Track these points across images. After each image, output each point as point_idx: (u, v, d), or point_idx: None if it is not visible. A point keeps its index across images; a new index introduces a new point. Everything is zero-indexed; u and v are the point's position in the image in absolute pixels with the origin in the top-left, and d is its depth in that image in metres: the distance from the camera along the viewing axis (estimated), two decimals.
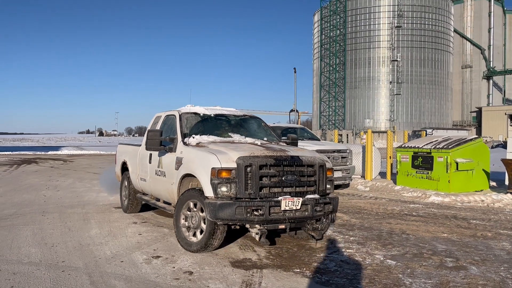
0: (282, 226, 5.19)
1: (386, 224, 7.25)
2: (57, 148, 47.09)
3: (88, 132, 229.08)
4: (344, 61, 67.59)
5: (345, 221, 7.49)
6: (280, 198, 4.99)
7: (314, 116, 77.71)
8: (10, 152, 35.49)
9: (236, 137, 6.30)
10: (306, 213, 5.17)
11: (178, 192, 5.75)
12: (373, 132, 14.36)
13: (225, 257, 5.19)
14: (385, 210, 8.67)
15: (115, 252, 5.30)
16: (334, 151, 11.21)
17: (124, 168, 8.30)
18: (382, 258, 5.23)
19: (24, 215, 7.70)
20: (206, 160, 5.16)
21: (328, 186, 5.56)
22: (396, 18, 64.54)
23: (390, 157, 13.13)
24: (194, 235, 5.40)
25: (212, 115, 6.77)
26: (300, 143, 11.27)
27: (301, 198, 5.11)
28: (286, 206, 5.00)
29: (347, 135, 57.80)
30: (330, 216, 5.55)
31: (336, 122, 68.65)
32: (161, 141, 6.24)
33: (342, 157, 11.32)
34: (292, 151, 5.47)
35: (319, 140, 12.60)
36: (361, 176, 13.35)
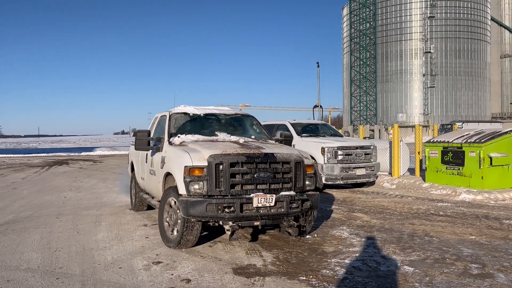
0: (257, 223, 5.20)
1: (409, 225, 6.76)
2: (91, 149, 48.31)
3: (123, 132, 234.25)
4: (375, 55, 65.94)
5: (365, 222, 7.05)
6: (252, 195, 4.99)
7: (345, 112, 76.34)
8: (46, 154, 36.69)
9: (221, 135, 6.26)
10: (282, 210, 5.13)
11: (163, 190, 5.88)
12: (406, 126, 13.60)
13: (229, 263, 4.90)
14: (409, 210, 8.15)
15: (116, 258, 5.11)
16: (356, 148, 10.73)
17: (133, 167, 8.46)
18: (399, 264, 4.80)
19: (39, 218, 7.67)
20: (180, 158, 5.26)
21: (308, 182, 5.50)
22: (428, 8, 62.33)
23: (418, 152, 12.47)
24: (173, 231, 5.47)
25: (202, 114, 6.83)
26: (319, 139, 10.90)
27: (274, 195, 5.07)
28: (258, 203, 5.00)
29: (379, 130, 56.40)
30: (312, 213, 5.58)
31: (368, 117, 67.17)
32: (149, 141, 6.47)
33: (365, 154, 10.81)
34: (269, 149, 5.41)
35: (341, 136, 12.12)
36: (389, 173, 12.76)
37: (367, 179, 10.86)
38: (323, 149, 10.42)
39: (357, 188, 11.32)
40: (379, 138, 46.66)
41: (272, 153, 5.25)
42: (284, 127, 12.01)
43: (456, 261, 4.88)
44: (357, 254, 5.21)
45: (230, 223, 5.07)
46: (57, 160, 27.09)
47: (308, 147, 10.86)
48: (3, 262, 5.01)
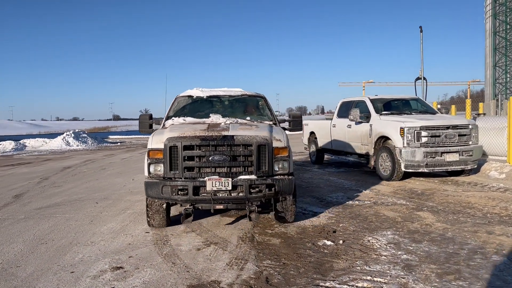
0: (219, 206, 5.14)
1: (482, 235, 4.92)
2: None
3: None
4: None
5: (423, 226, 5.38)
6: (206, 178, 4.87)
7: (487, 85, 65.74)
8: None
9: (213, 117, 6.16)
10: (241, 195, 4.91)
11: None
12: None
13: (195, 277, 3.95)
14: (501, 211, 6.08)
15: (85, 258, 4.53)
16: (447, 127, 8.59)
17: None
18: None
19: (80, 202, 7.65)
20: (148, 141, 5.31)
21: (280, 166, 5.13)
22: None
23: None
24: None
25: (205, 96, 6.85)
26: (400, 118, 9.09)
27: (230, 179, 4.87)
28: (213, 186, 4.85)
29: None
30: (288, 198, 5.38)
31: None
32: (150, 124, 6.51)
33: (459, 135, 8.61)
34: (233, 131, 5.19)
35: (434, 113, 9.92)
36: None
37: (462, 166, 8.67)
38: (402, 130, 8.58)
39: (451, 177, 9.18)
40: None
41: (232, 135, 5.02)
42: (362, 104, 10.31)
43: None
44: (372, 276, 3.79)
45: (187, 205, 5.11)
46: None
47: (385, 127, 9.12)
48: None
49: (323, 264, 4.17)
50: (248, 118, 6.29)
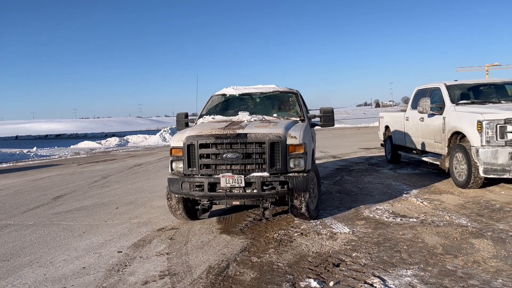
0: (236, 202, 5.21)
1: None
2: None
3: (365, 104, 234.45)
4: None
5: (468, 264, 3.80)
6: (220, 175, 4.97)
7: None
8: None
9: (241, 115, 6.24)
10: (255, 192, 4.97)
11: None
12: None
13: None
14: None
15: (19, 285, 3.96)
16: None
17: None
18: None
19: (103, 206, 7.34)
20: (172, 140, 5.51)
21: (295, 163, 5.07)
22: None
23: None
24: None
25: (237, 95, 6.98)
26: (481, 108, 7.16)
27: (243, 176, 4.93)
28: (226, 183, 4.95)
29: None
30: (303, 195, 5.18)
31: None
32: (186, 122, 6.81)
33: None
34: (249, 128, 5.23)
35: None
36: None
37: None
38: (479, 124, 6.64)
39: None
40: None
41: (246, 134, 5.06)
42: (437, 92, 8.41)
43: None
44: None
45: (205, 201, 5.43)
46: None
47: (459, 121, 7.24)
48: None
49: None
50: (275, 115, 6.33)
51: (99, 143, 28.88)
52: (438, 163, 8.13)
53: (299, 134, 5.18)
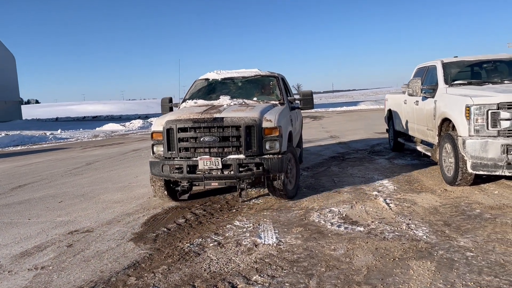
0: (214, 184, 5.38)
1: None
2: (354, 103, 47.97)
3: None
4: None
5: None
6: (198, 158, 5.16)
7: None
8: (319, 109, 37.78)
9: (222, 99, 6.35)
10: (231, 173, 5.13)
11: None
12: None
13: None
14: None
15: None
16: None
17: None
18: None
19: (42, 200, 6.82)
20: (152, 124, 5.65)
21: (270, 145, 5.24)
22: None
23: None
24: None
25: (220, 79, 7.06)
26: (474, 91, 5.99)
27: (220, 158, 5.11)
28: (204, 165, 5.14)
29: None
30: (279, 176, 5.35)
31: None
32: (170, 106, 6.87)
33: None
34: (226, 112, 5.36)
35: None
36: None
37: None
38: (467, 109, 5.46)
39: None
40: None
41: (222, 117, 5.21)
42: (433, 70, 7.19)
43: None
44: None
45: (184, 182, 5.54)
46: (312, 116, 27.92)
47: (448, 105, 6.08)
48: None
49: None
50: (255, 98, 6.50)
51: (123, 125, 28.97)
52: (430, 154, 6.99)
53: (275, 117, 5.35)
